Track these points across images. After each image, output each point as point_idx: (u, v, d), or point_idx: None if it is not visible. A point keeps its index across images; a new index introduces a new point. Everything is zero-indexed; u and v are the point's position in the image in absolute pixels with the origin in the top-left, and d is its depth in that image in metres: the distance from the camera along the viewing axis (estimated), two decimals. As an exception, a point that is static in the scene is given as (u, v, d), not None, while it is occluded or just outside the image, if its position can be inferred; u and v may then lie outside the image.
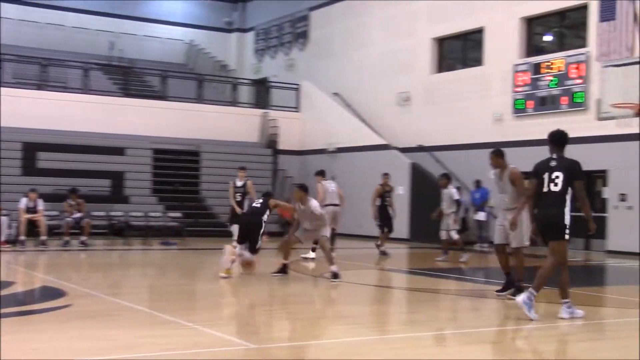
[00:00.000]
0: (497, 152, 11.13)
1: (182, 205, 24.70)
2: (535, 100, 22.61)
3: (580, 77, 21.43)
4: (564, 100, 21.82)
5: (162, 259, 17.87)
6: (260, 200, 13.20)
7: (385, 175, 19.10)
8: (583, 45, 21.80)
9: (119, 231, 21.59)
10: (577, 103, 21.46)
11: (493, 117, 23.82)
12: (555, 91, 22.08)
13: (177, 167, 26.46)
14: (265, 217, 12.76)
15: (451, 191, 16.85)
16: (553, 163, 8.89)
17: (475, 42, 25.50)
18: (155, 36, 35.68)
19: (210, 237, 23.09)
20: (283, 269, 12.73)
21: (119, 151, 25.49)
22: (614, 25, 20.48)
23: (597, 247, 20.91)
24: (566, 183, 8.74)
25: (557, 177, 8.76)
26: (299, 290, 11.92)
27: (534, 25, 24.01)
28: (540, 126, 22.42)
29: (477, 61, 25.25)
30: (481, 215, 22.40)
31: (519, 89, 23.10)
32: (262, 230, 12.67)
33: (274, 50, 34.50)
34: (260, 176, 25.33)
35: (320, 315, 9.49)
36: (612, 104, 16.15)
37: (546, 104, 22.32)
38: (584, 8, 21.76)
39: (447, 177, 17.19)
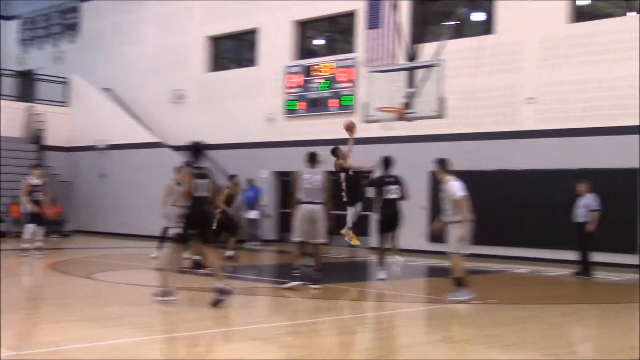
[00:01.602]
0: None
1: None
2: (306, 101, 23.29)
3: (348, 81, 22.37)
4: (333, 102, 22.67)
5: None
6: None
7: (234, 177, 17.85)
8: (352, 50, 22.77)
9: None
10: (345, 106, 22.37)
11: (265, 118, 24.23)
12: (325, 93, 22.88)
13: None
14: None
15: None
16: (389, 179, 13.15)
17: (250, 42, 25.82)
18: None
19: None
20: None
21: None
22: (379, 33, 21.56)
23: (362, 244, 21.86)
24: (400, 192, 13.13)
25: (396, 189, 13.10)
26: (64, 291, 11.44)
27: (306, 28, 24.72)
28: (311, 127, 23.21)
29: (251, 61, 25.57)
30: (253, 214, 22.69)
31: (291, 91, 23.68)
32: None
33: (40, 41, 32.84)
34: (23, 173, 24.03)
35: (88, 317, 9.15)
36: (377, 108, 16.93)
37: (316, 106, 23.07)
38: (352, 15, 22.72)
39: None
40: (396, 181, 13.27)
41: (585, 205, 15.04)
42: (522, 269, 16.57)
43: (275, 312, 10.25)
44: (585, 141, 17.98)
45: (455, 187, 10.88)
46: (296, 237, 11.87)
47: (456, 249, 10.80)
